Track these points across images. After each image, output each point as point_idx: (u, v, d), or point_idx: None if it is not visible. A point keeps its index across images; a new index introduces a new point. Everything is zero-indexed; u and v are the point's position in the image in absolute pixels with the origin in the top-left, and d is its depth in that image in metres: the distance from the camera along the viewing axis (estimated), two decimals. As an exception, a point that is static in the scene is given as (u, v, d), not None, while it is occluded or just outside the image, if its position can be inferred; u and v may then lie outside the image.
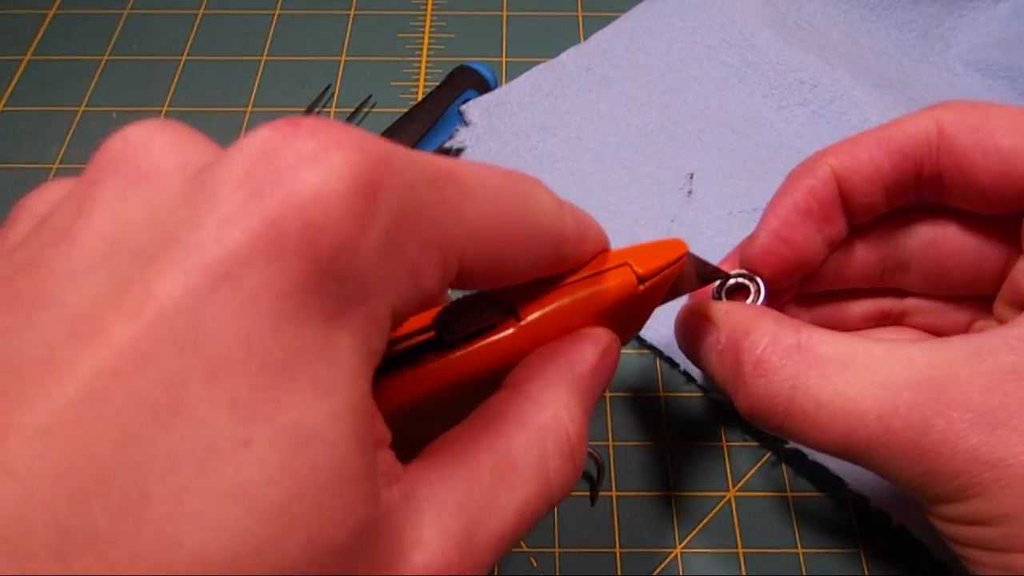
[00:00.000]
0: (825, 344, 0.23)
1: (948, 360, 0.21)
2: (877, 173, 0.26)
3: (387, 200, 0.14)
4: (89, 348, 0.12)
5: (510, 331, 0.20)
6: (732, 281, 0.28)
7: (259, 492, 0.12)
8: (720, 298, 0.28)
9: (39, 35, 0.50)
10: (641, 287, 0.22)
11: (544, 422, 0.19)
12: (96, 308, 0.13)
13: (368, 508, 0.14)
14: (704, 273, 0.27)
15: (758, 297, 0.28)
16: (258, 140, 0.14)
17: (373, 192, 0.14)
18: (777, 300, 0.29)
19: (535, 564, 0.32)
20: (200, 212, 0.13)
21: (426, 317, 0.20)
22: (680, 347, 0.28)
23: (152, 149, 0.15)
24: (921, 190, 0.27)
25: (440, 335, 0.20)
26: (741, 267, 0.28)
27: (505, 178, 0.18)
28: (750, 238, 0.28)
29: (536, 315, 0.21)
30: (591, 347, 0.21)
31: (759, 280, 0.28)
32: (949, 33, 0.48)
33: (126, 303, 0.12)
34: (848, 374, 0.22)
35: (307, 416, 0.13)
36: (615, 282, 0.22)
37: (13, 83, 0.47)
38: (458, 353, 0.20)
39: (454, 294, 0.23)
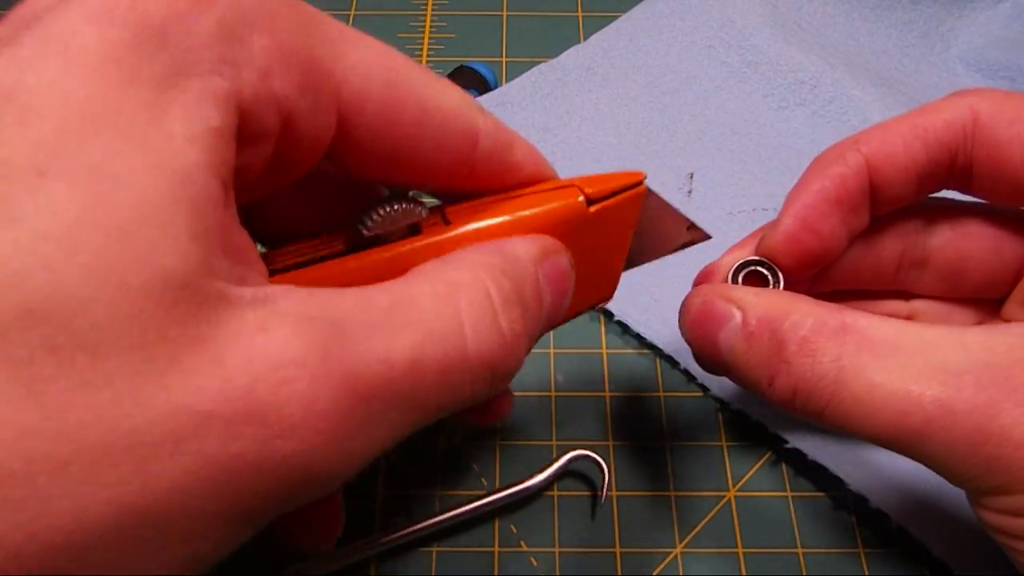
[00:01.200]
0: (873, 327, 0.22)
1: (1007, 344, 0.21)
2: (912, 163, 0.25)
3: None
4: None
5: (437, 237, 0.19)
6: (748, 268, 0.27)
7: (42, 215, 0.12)
8: (736, 284, 0.27)
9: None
10: (592, 209, 0.21)
11: (458, 278, 0.18)
12: None
13: (180, 265, 0.13)
14: (677, 227, 0.25)
15: (777, 286, 0.26)
16: None
17: None
18: (790, 289, 0.28)
19: (535, 564, 0.32)
20: (54, 3, 0.14)
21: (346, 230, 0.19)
22: (686, 335, 0.26)
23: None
24: (949, 180, 0.26)
25: (357, 230, 0.18)
26: (758, 254, 0.27)
27: (401, 54, 0.18)
28: (772, 224, 0.27)
29: (468, 225, 0.19)
30: (530, 240, 0.20)
31: (778, 270, 0.27)
32: (949, 33, 0.48)
33: None
34: (901, 356, 0.21)
35: (114, 159, 0.13)
36: (560, 201, 0.20)
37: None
38: (374, 254, 0.18)
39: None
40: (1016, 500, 0.21)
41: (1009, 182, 0.24)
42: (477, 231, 0.19)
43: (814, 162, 0.27)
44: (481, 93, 0.45)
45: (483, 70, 0.46)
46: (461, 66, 0.46)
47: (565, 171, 0.47)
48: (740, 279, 0.27)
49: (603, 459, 0.33)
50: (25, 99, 0.13)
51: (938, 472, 0.22)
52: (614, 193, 0.21)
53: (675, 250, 0.26)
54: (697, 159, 0.43)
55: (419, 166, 0.19)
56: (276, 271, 0.18)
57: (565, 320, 0.23)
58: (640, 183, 0.22)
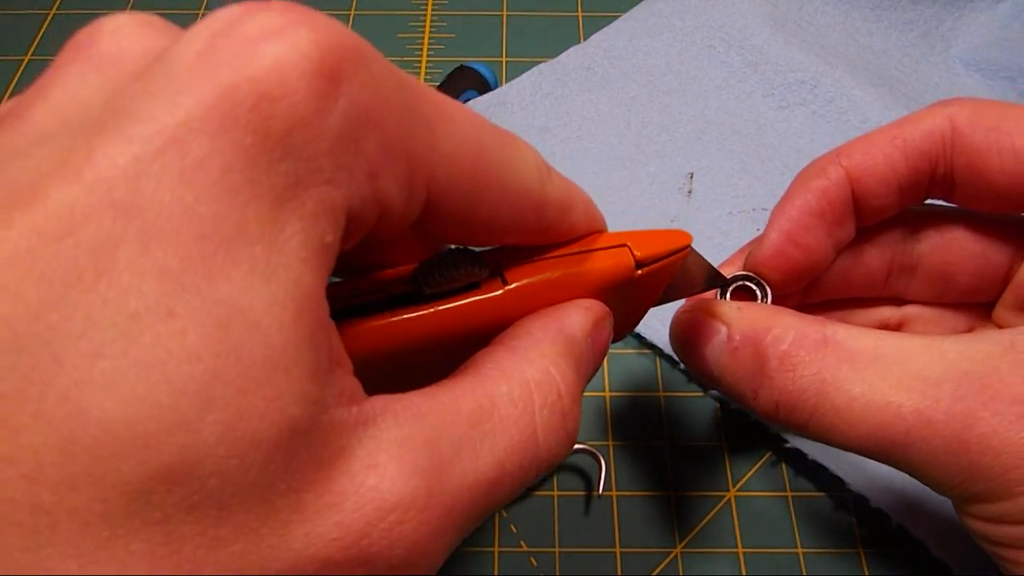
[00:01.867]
0: (853, 338, 0.22)
1: (985, 353, 0.21)
2: (893, 173, 0.25)
3: (351, 87, 0.13)
4: (22, 211, 0.12)
5: (494, 293, 0.19)
6: (737, 284, 0.27)
7: (176, 366, 0.12)
8: (725, 299, 0.27)
9: (39, 35, 0.50)
10: (639, 272, 0.22)
11: (532, 376, 0.18)
12: (37, 176, 0.12)
13: (304, 409, 0.13)
14: (706, 276, 0.26)
15: (765, 301, 0.27)
16: (222, 15, 0.13)
17: (337, 75, 0.13)
18: (779, 303, 0.28)
19: (535, 564, 0.32)
20: (155, 85, 0.13)
21: (406, 270, 0.19)
22: (675, 348, 0.27)
23: (120, 34, 0.15)
24: (931, 190, 0.26)
25: (419, 287, 0.19)
26: (746, 270, 0.27)
27: (486, 122, 0.18)
28: (758, 240, 0.27)
29: (523, 281, 0.20)
30: (583, 312, 0.20)
31: (765, 284, 0.27)
32: (949, 33, 0.48)
33: (67, 169, 0.12)
34: (880, 367, 0.21)
35: (240, 295, 0.12)
36: (611, 262, 0.21)
37: (13, 83, 0.47)
38: (435, 307, 0.19)
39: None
40: (998, 507, 0.21)
41: (989, 189, 0.25)
42: (531, 289, 0.20)
43: (797, 177, 0.27)
44: (481, 93, 0.45)
45: (483, 70, 0.46)
46: (461, 66, 0.46)
47: (565, 171, 0.47)
48: (729, 295, 0.27)
49: (603, 458, 0.33)
50: (146, 216, 0.12)
51: (921, 481, 0.22)
52: (662, 257, 0.22)
53: (694, 294, 0.27)
54: (697, 159, 0.43)
55: (490, 234, 0.19)
56: (335, 310, 0.18)
57: None
58: (687, 247, 0.23)
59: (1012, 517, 0.21)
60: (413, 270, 0.19)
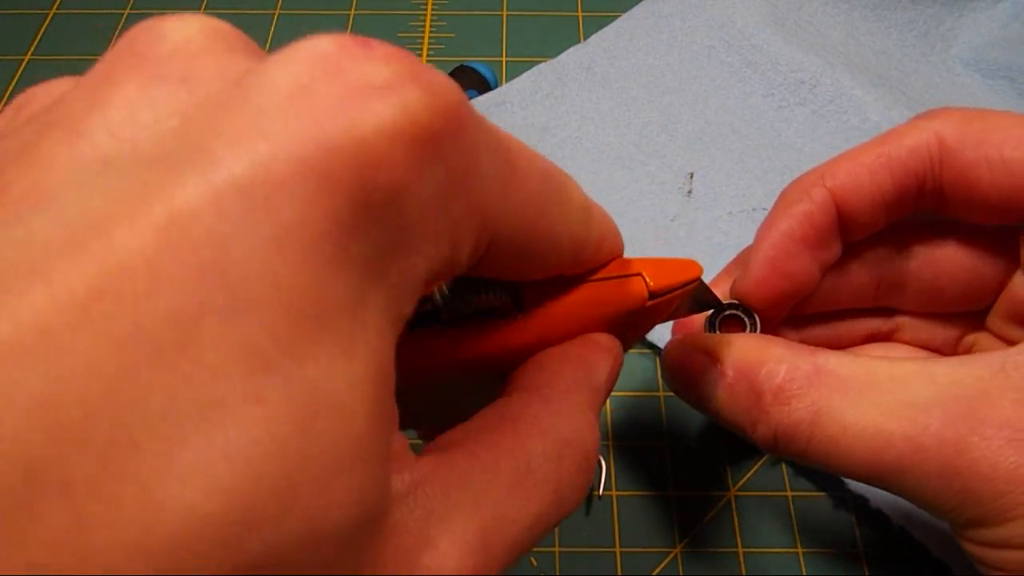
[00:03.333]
0: (844, 366, 0.22)
1: (975, 376, 0.21)
2: (879, 192, 0.25)
3: (451, 152, 0.13)
4: (88, 257, 0.10)
5: (513, 320, 0.19)
6: (724, 313, 0.27)
7: (264, 458, 0.10)
8: (714, 331, 0.27)
9: (39, 35, 0.50)
10: (650, 303, 0.22)
11: (566, 435, 0.17)
12: (102, 214, 0.10)
13: (377, 494, 0.12)
14: (703, 300, 0.26)
15: (754, 329, 0.27)
16: (319, 51, 0.12)
17: (440, 140, 0.12)
18: (767, 324, 0.28)
19: (535, 564, 0.32)
20: (241, 122, 0.11)
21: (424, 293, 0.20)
22: (671, 385, 0.27)
23: (191, 46, 0.13)
24: (919, 203, 0.26)
25: (439, 312, 0.19)
26: (733, 297, 0.27)
27: (547, 165, 0.17)
28: (743, 269, 0.27)
29: (543, 310, 0.20)
30: (606, 357, 0.20)
31: (753, 313, 0.27)
32: (949, 33, 0.48)
33: (139, 211, 0.10)
34: (872, 395, 0.22)
35: (328, 378, 0.11)
36: (627, 292, 0.21)
37: (13, 83, 0.47)
38: (456, 332, 0.19)
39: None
40: (992, 532, 0.21)
41: (981, 203, 0.24)
42: (551, 318, 0.20)
43: (780, 198, 0.27)
44: (481, 93, 0.45)
45: (483, 70, 0.46)
46: (461, 66, 0.46)
47: (565, 171, 0.46)
48: (717, 325, 0.27)
49: (603, 458, 0.33)
50: (232, 283, 0.10)
51: (918, 505, 0.22)
52: (675, 288, 0.22)
53: (689, 314, 0.27)
54: (697, 159, 0.43)
55: (528, 273, 0.18)
56: None
57: None
58: (698, 279, 0.23)
59: (1006, 542, 0.21)
60: (431, 295, 0.19)
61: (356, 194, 0.11)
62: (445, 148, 0.12)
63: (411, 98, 0.12)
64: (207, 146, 0.11)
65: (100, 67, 0.13)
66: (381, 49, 0.12)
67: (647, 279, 0.22)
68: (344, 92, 0.11)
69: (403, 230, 0.12)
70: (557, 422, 0.17)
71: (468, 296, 0.19)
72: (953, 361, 0.22)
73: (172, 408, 0.10)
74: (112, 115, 0.12)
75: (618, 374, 0.21)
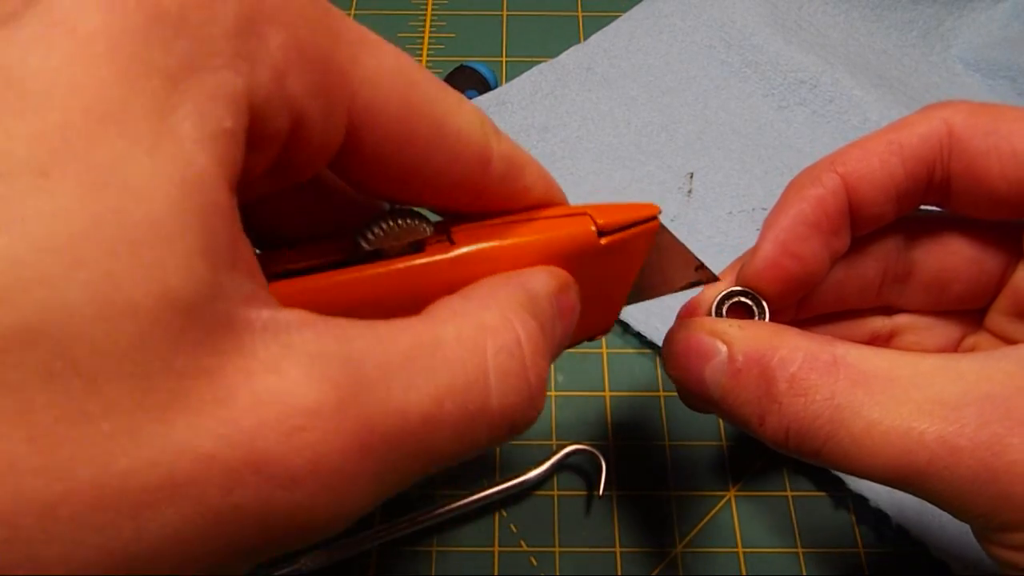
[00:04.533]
0: (865, 359, 0.21)
1: (1005, 373, 0.20)
2: (891, 180, 0.24)
3: None
4: None
5: (442, 256, 0.18)
6: (732, 300, 0.26)
7: (42, 222, 0.11)
8: (720, 317, 0.26)
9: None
10: (603, 240, 0.20)
11: (487, 321, 0.16)
12: None
13: (189, 285, 0.12)
14: (685, 266, 0.24)
15: (763, 317, 0.25)
16: None
17: None
18: (776, 317, 0.27)
19: (535, 564, 0.32)
20: None
21: (346, 238, 0.18)
22: (669, 369, 0.25)
23: None
24: (927, 196, 0.25)
25: (357, 246, 0.18)
26: (740, 283, 0.26)
27: (416, 62, 0.17)
28: (751, 252, 0.26)
29: (475, 246, 0.18)
30: (546, 274, 0.19)
31: (762, 300, 0.26)
32: (949, 33, 0.48)
33: None
34: (897, 390, 0.20)
35: (123, 164, 0.12)
36: (571, 227, 0.20)
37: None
38: (376, 268, 0.18)
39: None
40: None
41: (987, 194, 0.24)
42: (483, 254, 0.19)
43: (790, 185, 0.26)
44: (481, 93, 0.45)
45: (483, 70, 0.46)
46: (461, 66, 0.46)
47: (565, 171, 0.46)
48: (724, 311, 0.26)
49: (603, 458, 0.33)
50: (27, 85, 0.12)
51: (943, 508, 0.21)
52: (627, 226, 0.21)
53: (681, 289, 0.25)
54: (697, 159, 0.43)
55: (427, 185, 0.18)
56: (270, 276, 0.17)
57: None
58: (654, 218, 0.22)
59: None
60: (358, 231, 0.18)
61: (150, 6, 0.13)
62: None
63: None
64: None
65: None
66: None
67: (594, 218, 0.20)
68: None
69: (207, 43, 0.13)
70: (478, 311, 0.17)
71: (385, 223, 0.18)
72: (979, 356, 0.21)
73: None
74: None
75: (573, 305, 0.20)
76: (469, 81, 0.45)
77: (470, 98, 0.45)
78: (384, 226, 0.18)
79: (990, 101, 0.45)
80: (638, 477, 0.34)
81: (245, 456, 0.12)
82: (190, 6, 0.13)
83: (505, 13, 0.51)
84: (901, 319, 0.29)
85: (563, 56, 0.47)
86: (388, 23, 0.50)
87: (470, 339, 0.16)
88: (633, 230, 0.21)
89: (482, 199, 0.19)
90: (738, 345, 0.23)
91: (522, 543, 0.33)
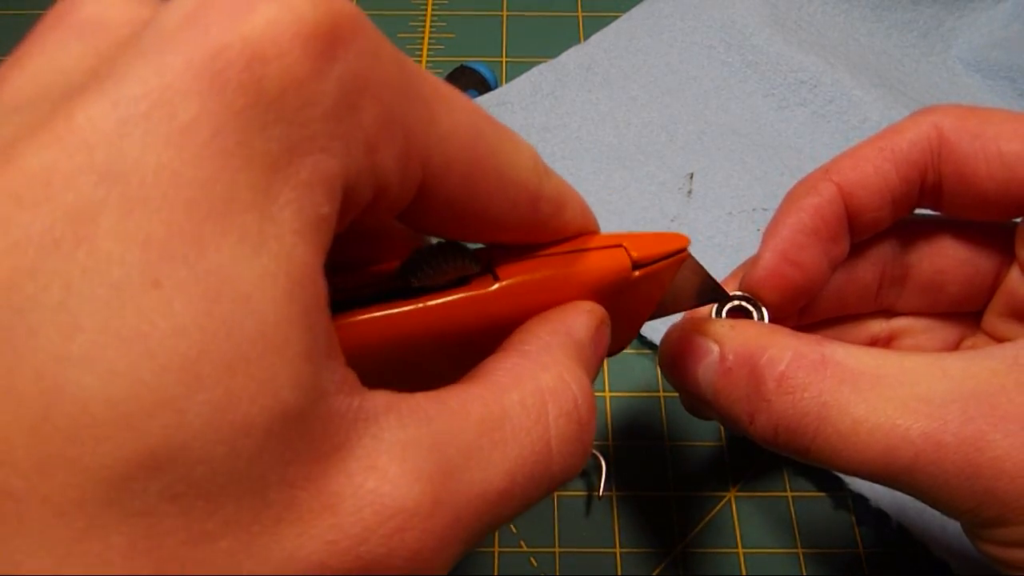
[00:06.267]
0: (852, 357, 0.21)
1: (989, 370, 0.20)
2: (885, 186, 0.25)
3: (348, 53, 0.13)
4: None
5: (485, 289, 0.19)
6: (732, 304, 0.26)
7: (161, 340, 0.11)
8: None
9: (39, 35, 0.50)
10: (636, 273, 0.21)
11: (546, 383, 0.17)
12: (12, 140, 0.11)
13: (299, 394, 0.12)
14: (704, 288, 0.25)
15: (761, 320, 0.26)
16: None
17: (333, 39, 0.13)
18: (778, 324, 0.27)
19: (535, 564, 0.32)
20: (142, 48, 0.12)
21: (391, 266, 0.19)
22: (664, 369, 0.26)
23: (105, 2, 0.14)
24: (921, 200, 0.26)
25: (406, 281, 0.18)
26: (741, 290, 0.26)
27: (483, 111, 0.17)
28: (752, 261, 0.26)
29: (516, 279, 0.19)
30: (587, 315, 0.19)
31: (761, 306, 0.26)
32: (949, 33, 0.48)
33: (43, 132, 0.11)
34: (884, 388, 0.21)
35: (232, 267, 0.11)
36: (607, 261, 0.20)
37: (13, 83, 0.47)
38: (424, 302, 0.18)
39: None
40: (1012, 532, 0.20)
41: (976, 196, 0.24)
42: (524, 287, 0.19)
43: (787, 196, 0.26)
44: (481, 93, 0.45)
45: (483, 70, 0.46)
46: (461, 66, 0.46)
47: (565, 171, 0.47)
48: (724, 315, 0.26)
49: (603, 458, 0.33)
50: (130, 181, 0.11)
51: (930, 504, 0.21)
52: (659, 259, 0.21)
53: (694, 307, 0.26)
54: (697, 159, 0.43)
55: (480, 226, 0.18)
56: None
57: None
58: (684, 250, 0.22)
59: None
60: (399, 264, 0.18)
61: (249, 89, 0.12)
62: (340, 49, 0.13)
63: (296, 1, 0.13)
64: (109, 72, 0.12)
65: (29, 35, 0.14)
66: None
67: (629, 249, 0.21)
68: (233, 3, 0.12)
69: (306, 126, 0.13)
70: (536, 372, 0.17)
71: (436, 261, 0.18)
72: (965, 354, 0.21)
73: (68, 296, 0.10)
74: (30, 67, 0.13)
75: (607, 340, 0.20)
76: (469, 81, 0.45)
77: (470, 98, 0.45)
78: (435, 265, 0.18)
79: (990, 101, 0.46)
80: (638, 477, 0.34)
81: (352, 563, 0.13)
82: (291, 87, 0.12)
83: (505, 13, 0.51)
84: (900, 322, 0.29)
85: (563, 56, 0.47)
86: (388, 23, 0.50)
87: (533, 406, 0.16)
88: (664, 262, 0.22)
89: (527, 235, 0.19)
90: (729, 345, 0.23)
91: (522, 543, 0.33)
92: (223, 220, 0.11)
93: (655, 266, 0.21)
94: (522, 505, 0.16)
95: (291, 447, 0.12)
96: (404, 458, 0.14)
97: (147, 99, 0.11)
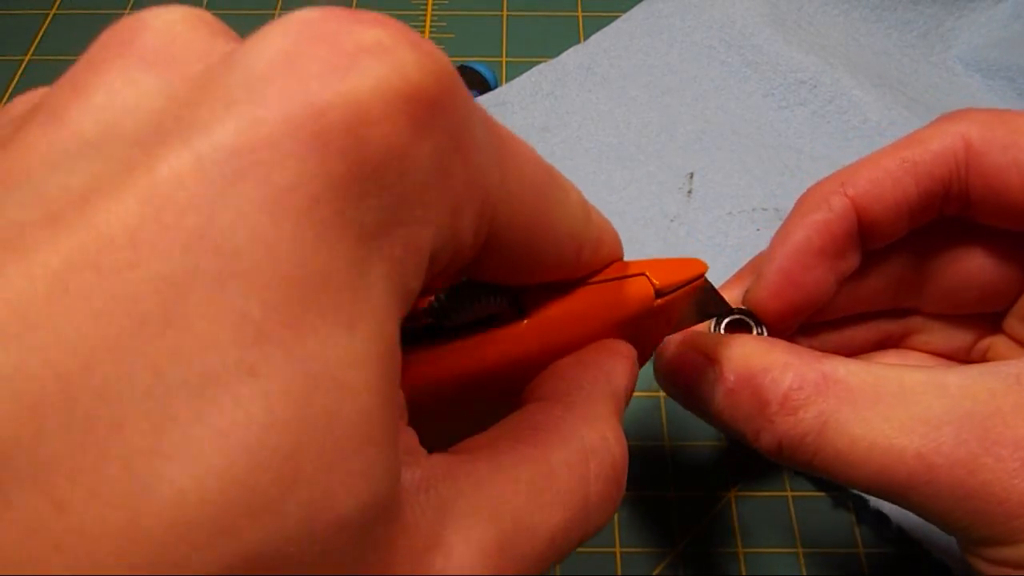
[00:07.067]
0: (853, 375, 0.22)
1: (988, 390, 0.20)
2: (904, 199, 0.24)
3: (447, 117, 0.12)
4: (67, 231, 0.09)
5: (515, 325, 0.19)
6: (731, 318, 0.26)
7: (260, 434, 0.10)
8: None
9: (39, 35, 0.50)
10: (658, 301, 0.21)
11: (590, 442, 0.17)
12: (83, 190, 0.10)
13: (388, 482, 0.11)
14: (708, 303, 0.25)
15: (762, 335, 0.26)
16: (306, 19, 0.11)
17: (436, 103, 0.12)
18: (778, 335, 0.27)
19: (535, 564, 0.32)
20: (226, 91, 0.11)
21: (420, 302, 0.18)
22: (660, 383, 0.26)
23: (173, 31, 0.13)
24: (944, 208, 0.25)
25: (438, 321, 0.18)
26: (744, 305, 0.26)
27: (543, 160, 0.16)
28: (756, 279, 0.26)
29: (546, 315, 0.19)
30: (625, 361, 0.20)
31: (761, 323, 0.26)
32: (949, 33, 0.48)
33: (121, 184, 0.10)
34: (882, 407, 0.21)
35: (329, 352, 0.10)
36: (633, 293, 0.21)
37: (13, 83, 0.47)
38: (458, 342, 0.18)
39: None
40: (1001, 552, 0.20)
41: (1009, 207, 0.24)
42: (553, 323, 0.19)
43: (797, 204, 0.26)
44: (481, 93, 0.45)
45: (483, 70, 0.46)
46: (461, 66, 0.46)
47: (565, 171, 0.46)
48: (723, 329, 0.26)
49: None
50: (223, 251, 0.10)
51: (927, 520, 0.21)
52: (681, 285, 0.22)
53: (696, 322, 0.26)
54: (697, 159, 0.43)
55: (522, 273, 0.18)
56: None
57: None
58: (702, 276, 0.23)
59: (1017, 562, 0.20)
60: (429, 304, 0.18)
61: (350, 155, 0.11)
62: (440, 112, 0.12)
63: (404, 58, 0.11)
64: (191, 117, 0.11)
65: (83, 59, 0.13)
66: (370, 15, 0.12)
67: (651, 278, 0.21)
68: (334, 54, 0.11)
69: (403, 196, 0.12)
70: (581, 430, 0.17)
71: (467, 302, 0.18)
72: (967, 372, 0.21)
73: (158, 382, 0.09)
74: (94, 100, 0.12)
75: (635, 382, 0.21)
76: (469, 81, 0.45)
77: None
78: (467, 305, 0.18)
79: (990, 101, 0.46)
80: (638, 477, 0.34)
81: None
82: (393, 154, 0.11)
83: (505, 13, 0.51)
84: (914, 321, 0.29)
85: (563, 56, 0.47)
86: (388, 23, 0.50)
87: (576, 466, 0.16)
88: (685, 289, 0.22)
89: (563, 276, 0.19)
90: (728, 365, 0.23)
91: (522, 543, 0.33)
92: (319, 299, 0.10)
93: (676, 293, 0.22)
94: (559, 559, 0.16)
95: (369, 539, 0.11)
96: (468, 537, 0.13)
97: (239, 156, 0.10)
